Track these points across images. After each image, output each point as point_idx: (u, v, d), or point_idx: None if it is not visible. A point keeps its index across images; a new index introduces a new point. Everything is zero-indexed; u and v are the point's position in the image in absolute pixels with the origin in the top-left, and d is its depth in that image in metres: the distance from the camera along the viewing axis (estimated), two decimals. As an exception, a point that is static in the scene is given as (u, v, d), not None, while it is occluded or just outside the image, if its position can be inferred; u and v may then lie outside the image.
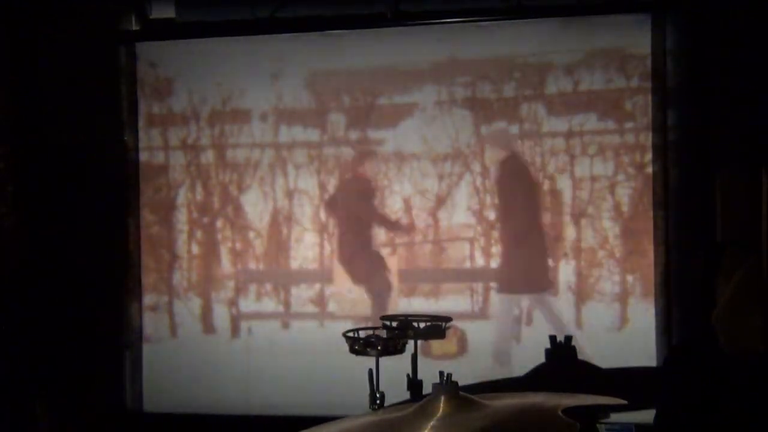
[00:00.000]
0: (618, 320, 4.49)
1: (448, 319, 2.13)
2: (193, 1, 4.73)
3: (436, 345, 4.42)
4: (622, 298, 4.49)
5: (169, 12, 4.75)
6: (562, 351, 2.41)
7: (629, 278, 4.50)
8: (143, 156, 4.89)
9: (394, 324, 2.09)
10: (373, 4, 4.58)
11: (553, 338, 2.46)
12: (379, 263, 4.72)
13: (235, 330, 4.81)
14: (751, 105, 4.06)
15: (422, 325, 2.08)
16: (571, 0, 4.51)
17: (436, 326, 2.08)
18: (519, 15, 4.54)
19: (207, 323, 4.83)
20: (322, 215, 4.76)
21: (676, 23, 4.38)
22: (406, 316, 2.13)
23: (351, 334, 2.05)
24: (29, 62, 4.50)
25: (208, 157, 4.84)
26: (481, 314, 4.62)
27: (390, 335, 2.06)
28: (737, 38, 4.13)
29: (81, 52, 4.62)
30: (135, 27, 4.82)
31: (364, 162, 4.69)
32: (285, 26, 4.69)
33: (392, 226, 4.69)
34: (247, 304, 4.82)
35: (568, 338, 2.45)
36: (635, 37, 4.44)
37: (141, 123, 4.88)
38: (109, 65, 4.80)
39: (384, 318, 2.13)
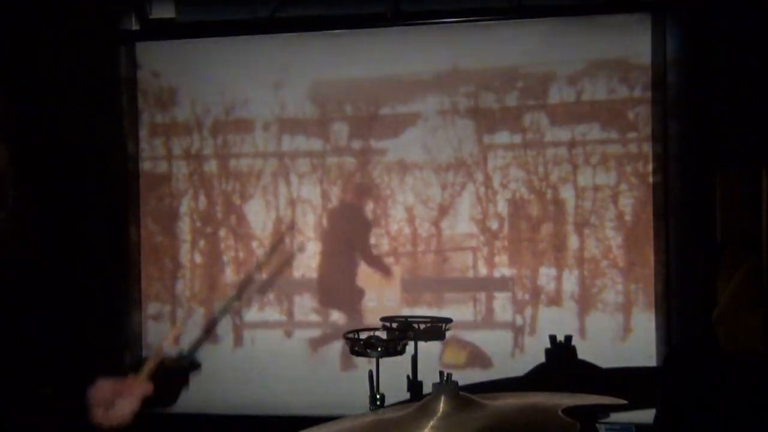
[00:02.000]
0: (621, 330, 4.48)
1: (448, 320, 2.14)
2: (193, 1, 4.75)
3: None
4: (626, 307, 4.49)
5: (169, 12, 4.76)
6: (562, 351, 2.41)
7: (632, 288, 4.49)
8: (147, 165, 4.91)
9: (394, 325, 2.09)
10: (373, 4, 4.59)
11: (553, 338, 2.46)
12: (382, 272, 4.73)
13: (238, 339, 4.82)
14: (751, 106, 4.06)
15: (422, 326, 2.09)
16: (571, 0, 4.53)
17: (436, 327, 2.09)
18: (519, 15, 4.55)
19: (210, 332, 4.83)
20: (325, 224, 4.77)
21: (676, 25, 4.39)
22: (407, 317, 2.13)
23: (351, 336, 2.06)
24: (29, 64, 4.51)
25: (211, 166, 4.86)
26: (484, 323, 4.61)
27: (390, 336, 2.06)
28: (737, 40, 4.15)
29: (81, 54, 4.63)
30: (135, 27, 4.83)
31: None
32: (285, 26, 4.70)
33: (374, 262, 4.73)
34: (250, 314, 4.82)
35: (568, 338, 2.45)
36: (636, 45, 4.46)
37: (144, 132, 4.90)
38: (110, 73, 4.82)
39: (384, 319, 2.13)
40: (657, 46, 4.44)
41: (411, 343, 2.09)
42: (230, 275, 4.84)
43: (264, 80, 4.80)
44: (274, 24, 4.68)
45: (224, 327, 4.83)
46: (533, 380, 2.38)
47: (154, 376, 2.24)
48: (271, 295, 4.82)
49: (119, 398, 2.21)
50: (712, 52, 4.25)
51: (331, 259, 4.78)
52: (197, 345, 2.57)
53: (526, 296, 4.59)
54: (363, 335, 2.06)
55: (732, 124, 4.15)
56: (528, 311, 4.58)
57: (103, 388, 2.22)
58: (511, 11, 4.55)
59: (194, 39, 4.82)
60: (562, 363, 2.39)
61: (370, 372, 2.05)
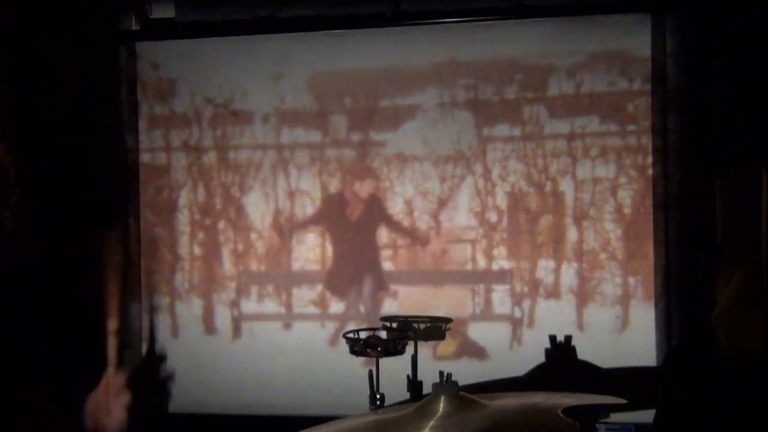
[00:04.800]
0: (620, 323, 4.48)
1: (447, 320, 2.14)
2: (193, 1, 4.74)
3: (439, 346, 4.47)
4: (624, 300, 4.49)
5: (169, 12, 4.76)
6: (562, 351, 2.41)
7: (631, 280, 4.49)
8: (145, 157, 4.90)
9: (394, 325, 2.09)
10: (373, 4, 4.58)
11: (553, 338, 2.45)
12: (380, 264, 4.73)
13: (236, 331, 4.83)
14: (751, 105, 4.06)
15: (422, 326, 2.09)
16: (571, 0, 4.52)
17: (436, 327, 2.09)
18: (519, 15, 4.54)
19: (208, 324, 4.84)
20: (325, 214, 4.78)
21: (676, 24, 4.39)
22: (406, 317, 2.13)
23: (351, 335, 2.06)
24: (29, 63, 4.51)
25: (210, 158, 4.85)
26: (483, 316, 4.62)
27: (390, 336, 2.06)
28: (737, 39, 4.15)
29: (81, 52, 4.62)
30: (135, 27, 4.83)
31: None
32: (285, 26, 4.70)
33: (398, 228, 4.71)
34: (248, 306, 4.82)
35: (568, 338, 2.44)
36: (636, 39, 4.45)
37: (143, 124, 4.89)
38: (110, 66, 4.81)
39: (384, 319, 2.13)
40: (657, 45, 4.43)
41: (411, 343, 2.09)
42: (229, 267, 4.84)
43: (263, 72, 4.79)
44: (274, 24, 4.67)
45: (223, 319, 4.84)
46: (533, 380, 2.38)
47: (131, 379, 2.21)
48: (269, 287, 4.83)
49: (108, 403, 2.18)
50: (711, 53, 4.25)
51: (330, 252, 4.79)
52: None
53: (525, 289, 4.59)
54: (363, 335, 2.06)
55: (732, 124, 4.15)
56: (526, 304, 4.59)
57: (92, 401, 2.19)
58: (511, 11, 4.54)
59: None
60: (561, 363, 2.39)
61: (370, 372, 2.04)
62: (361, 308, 4.72)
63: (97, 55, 4.71)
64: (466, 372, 4.30)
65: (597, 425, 2.11)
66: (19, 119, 4.40)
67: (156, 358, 2.35)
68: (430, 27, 4.63)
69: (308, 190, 4.77)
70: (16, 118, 4.38)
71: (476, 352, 4.61)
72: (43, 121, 4.55)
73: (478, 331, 4.62)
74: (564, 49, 4.54)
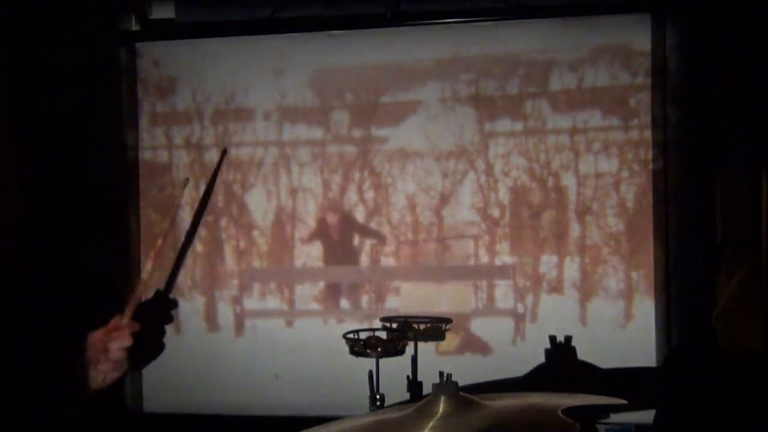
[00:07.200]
0: (623, 317, 4.48)
1: (447, 320, 2.14)
2: (193, 1, 4.74)
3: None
4: (627, 295, 4.49)
5: (169, 12, 4.75)
6: (562, 351, 2.40)
7: (634, 275, 4.49)
8: (147, 155, 4.90)
9: (394, 325, 2.10)
10: (373, 4, 4.57)
11: (553, 338, 2.45)
12: (382, 261, 4.73)
13: (239, 328, 4.83)
14: (751, 105, 4.06)
15: (422, 326, 2.09)
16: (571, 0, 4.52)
17: (436, 328, 2.09)
18: (519, 15, 4.53)
19: (211, 321, 4.84)
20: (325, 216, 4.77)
21: (677, 23, 4.38)
22: (406, 317, 2.14)
23: (351, 336, 2.06)
24: (29, 63, 4.51)
25: (212, 155, 4.84)
26: (486, 311, 4.62)
27: (390, 337, 2.07)
28: (737, 38, 4.14)
29: (81, 52, 4.62)
30: (135, 27, 4.82)
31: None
32: (285, 26, 4.69)
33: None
34: (251, 303, 4.83)
35: (568, 338, 2.44)
36: (638, 35, 4.44)
37: (144, 121, 4.89)
38: (110, 64, 4.81)
39: (384, 319, 2.14)
40: (657, 41, 4.42)
41: (411, 343, 2.10)
42: (231, 264, 4.84)
43: (264, 69, 4.78)
44: (274, 24, 4.67)
45: (225, 316, 4.84)
46: (533, 380, 2.38)
47: (138, 314, 2.12)
48: (272, 284, 4.83)
49: (110, 342, 2.09)
50: (711, 52, 4.25)
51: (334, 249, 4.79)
52: (171, 282, 2.52)
53: (528, 284, 4.59)
54: (363, 335, 2.06)
55: (732, 119, 4.15)
56: (529, 299, 4.59)
57: (93, 339, 2.12)
58: (511, 12, 4.53)
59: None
60: (561, 364, 2.39)
61: (370, 372, 2.04)
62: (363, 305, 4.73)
63: (97, 55, 4.71)
64: (469, 368, 4.34)
65: (597, 425, 2.11)
66: (20, 118, 4.40)
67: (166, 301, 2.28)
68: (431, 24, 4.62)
69: (310, 187, 4.77)
70: (16, 117, 4.38)
71: (479, 347, 4.62)
72: (43, 120, 4.55)
73: (480, 327, 4.62)
74: (566, 44, 4.53)
